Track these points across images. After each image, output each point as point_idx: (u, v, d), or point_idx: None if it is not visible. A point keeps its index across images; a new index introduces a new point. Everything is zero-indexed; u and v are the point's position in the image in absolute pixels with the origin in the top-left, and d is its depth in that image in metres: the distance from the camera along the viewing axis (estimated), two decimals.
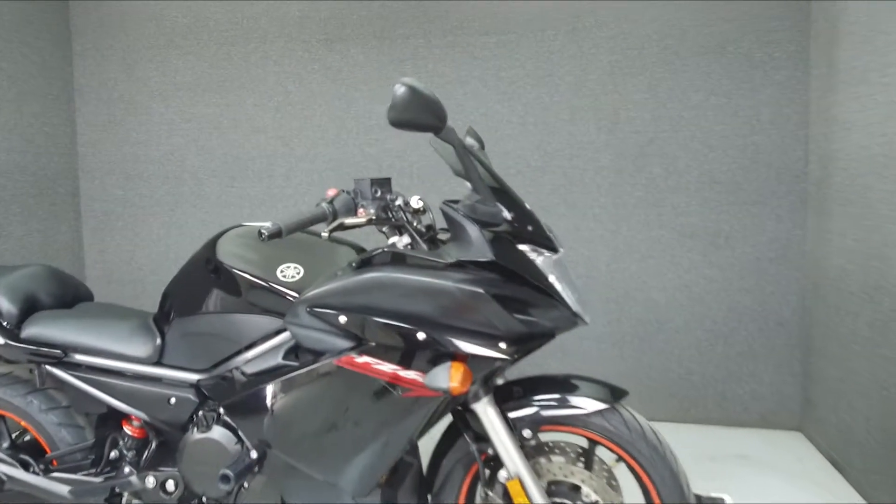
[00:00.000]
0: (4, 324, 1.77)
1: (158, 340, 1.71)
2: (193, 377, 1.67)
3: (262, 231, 1.37)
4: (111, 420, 1.83)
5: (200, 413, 1.64)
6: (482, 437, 1.57)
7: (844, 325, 2.65)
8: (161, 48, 3.59)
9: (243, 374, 1.59)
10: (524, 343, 1.42)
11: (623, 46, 3.18)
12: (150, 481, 1.66)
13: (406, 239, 1.56)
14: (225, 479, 1.49)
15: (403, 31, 3.36)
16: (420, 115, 1.32)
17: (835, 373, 2.75)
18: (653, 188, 3.20)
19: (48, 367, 1.76)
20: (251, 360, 1.59)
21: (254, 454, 1.55)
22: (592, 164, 3.24)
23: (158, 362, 1.71)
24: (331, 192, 1.55)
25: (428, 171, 3.39)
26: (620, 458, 1.59)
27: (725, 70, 3.09)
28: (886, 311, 2.33)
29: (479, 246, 1.42)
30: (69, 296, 1.95)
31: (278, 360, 1.56)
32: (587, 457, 1.61)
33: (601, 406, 1.52)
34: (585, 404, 1.52)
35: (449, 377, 1.34)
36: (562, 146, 3.27)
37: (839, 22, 2.67)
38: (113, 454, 1.78)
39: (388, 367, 1.42)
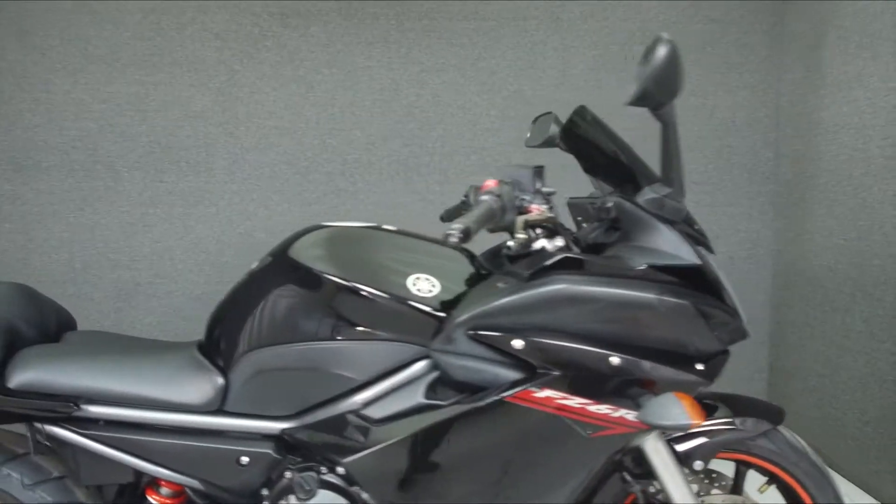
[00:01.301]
0: None
1: (220, 380, 1.28)
2: (275, 426, 1.26)
3: (452, 233, 1.04)
4: (126, 490, 1.36)
5: (290, 474, 1.24)
6: (640, 474, 1.34)
7: (832, 322, 2.73)
8: (68, 11, 2.93)
9: (364, 418, 1.22)
10: (716, 363, 1.22)
11: (607, 42, 3.09)
12: None
13: (558, 242, 1.29)
14: None
15: (373, 11, 3.01)
16: (675, 85, 1.08)
17: (818, 369, 2.84)
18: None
19: (48, 426, 1.26)
20: (375, 402, 1.22)
21: None
22: (574, 161, 3.11)
23: (219, 410, 1.28)
24: (490, 183, 1.25)
25: (398, 167, 3.08)
26: (770, 482, 1.44)
27: (704, 71, 3.10)
28: (890, 307, 2.41)
29: (676, 249, 1.19)
30: (51, 323, 1.43)
31: (418, 398, 1.21)
32: (738, 482, 1.44)
33: (766, 427, 1.36)
34: (752, 426, 1.35)
35: (685, 411, 1.10)
36: None
37: (827, 25, 2.75)
38: None
39: (574, 402, 1.15)
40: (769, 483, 1.44)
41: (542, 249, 1.26)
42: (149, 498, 1.35)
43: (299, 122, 3.05)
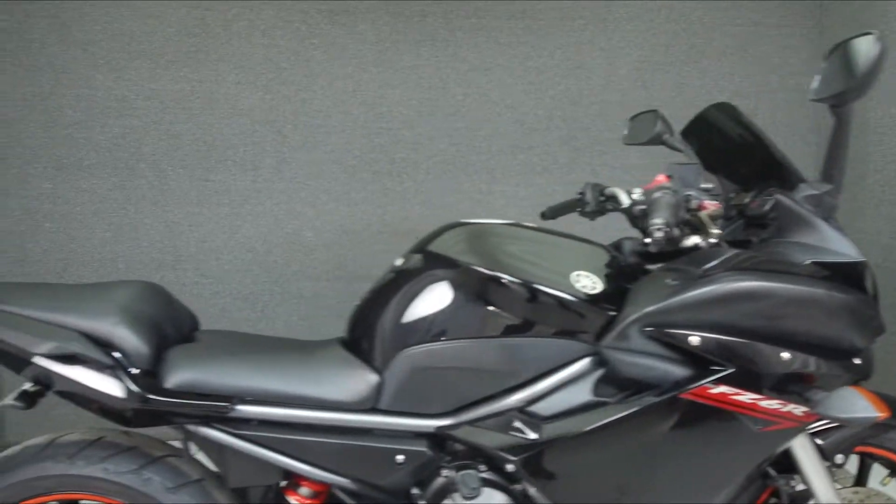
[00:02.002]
0: (134, 370, 1.20)
1: (375, 378, 1.26)
2: (430, 424, 1.25)
3: (658, 228, 1.04)
4: (267, 492, 1.33)
5: (447, 472, 1.23)
6: (781, 468, 1.36)
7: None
8: (110, 6, 2.86)
9: (532, 415, 1.21)
10: (868, 358, 1.24)
11: (652, 42, 3.12)
12: None
13: (695, 238, 1.30)
14: None
15: (421, 9, 3.00)
16: (872, 83, 1.09)
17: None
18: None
19: (201, 428, 1.23)
20: (540, 399, 1.22)
21: None
22: (621, 162, 3.14)
23: (373, 408, 1.26)
24: (661, 179, 1.25)
25: (445, 166, 3.07)
26: (893, 474, 1.47)
27: (745, 72, 3.15)
28: None
29: (839, 245, 1.21)
30: (185, 323, 1.40)
31: (586, 396, 1.21)
32: (862, 474, 1.47)
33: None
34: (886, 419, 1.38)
35: (870, 405, 1.11)
36: (590, 142, 3.13)
37: (869, 26, 2.81)
38: None
39: (746, 398, 1.16)
40: (892, 476, 1.47)
41: (697, 246, 1.27)
42: (288, 498, 1.33)
43: (347, 121, 3.02)
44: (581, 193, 1.61)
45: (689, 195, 1.27)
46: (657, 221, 1.11)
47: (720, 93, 3.14)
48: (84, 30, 2.86)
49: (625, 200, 1.47)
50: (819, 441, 1.35)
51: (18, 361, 1.16)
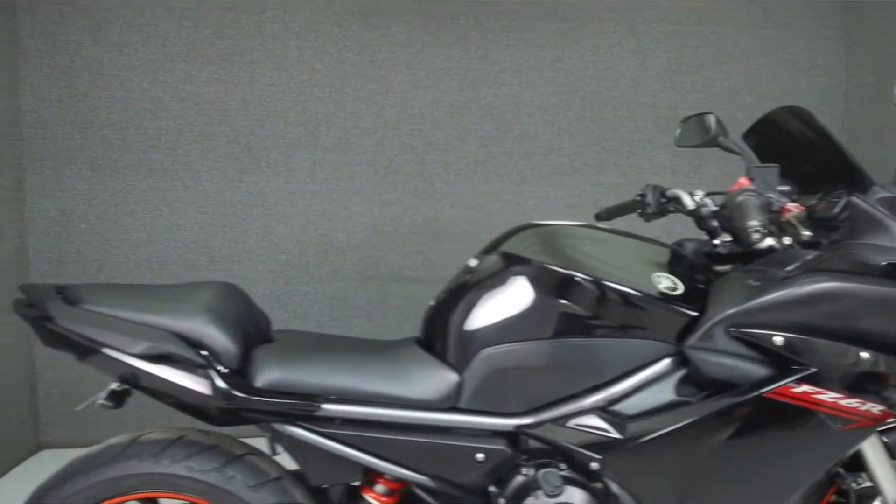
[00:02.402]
0: (224, 369, 1.22)
1: (455, 378, 1.28)
2: (509, 423, 1.27)
3: (758, 230, 1.07)
4: (346, 489, 1.36)
5: (528, 471, 1.25)
6: (847, 465, 1.38)
7: None
8: (146, 7, 2.88)
9: (615, 414, 1.24)
10: None
11: (681, 44, 3.14)
12: None
13: (785, 240, 1.32)
14: None
15: (453, 11, 3.02)
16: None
17: None
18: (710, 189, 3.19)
19: (287, 426, 1.25)
20: (623, 399, 1.24)
21: None
22: (650, 164, 3.17)
23: (453, 407, 1.28)
24: (743, 181, 1.27)
25: (475, 167, 3.09)
26: None
27: (774, 74, 3.18)
28: None
29: None
30: (262, 323, 1.42)
31: (670, 395, 1.23)
32: None
33: None
34: None
35: None
36: (620, 143, 3.15)
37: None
38: None
39: (828, 397, 1.19)
40: None
41: (771, 248, 1.29)
42: (365, 496, 1.35)
43: (379, 123, 3.04)
44: (641, 195, 1.62)
45: (771, 198, 1.29)
46: (754, 224, 1.13)
47: (748, 94, 3.17)
48: (119, 31, 2.87)
49: (689, 203, 1.50)
50: (885, 439, 1.38)
51: (110, 361, 1.18)
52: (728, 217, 1.34)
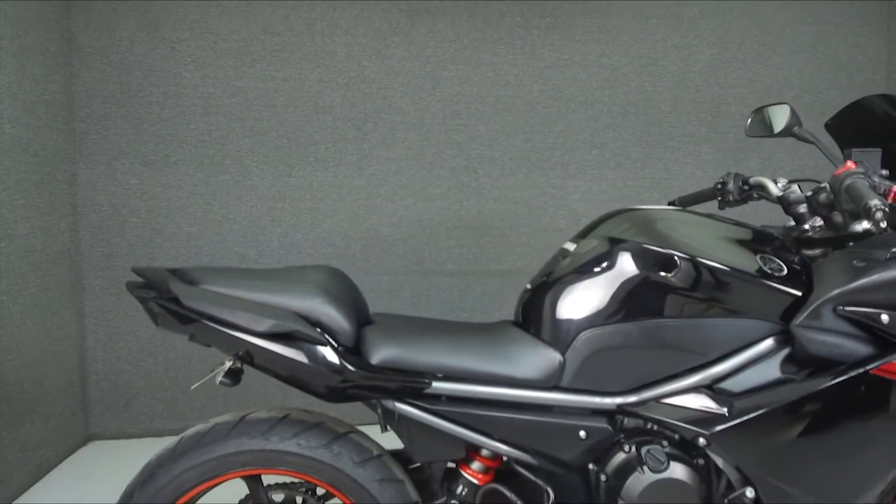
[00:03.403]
0: (340, 347, 1.25)
1: (558, 357, 1.31)
2: (611, 402, 1.30)
3: (879, 209, 1.09)
4: (445, 466, 1.38)
5: (629, 448, 1.27)
6: None
7: None
8: (198, 5, 2.92)
9: (721, 392, 1.26)
10: None
11: (724, 40, 3.17)
12: None
13: (865, 224, 1.35)
14: None
15: (499, 8, 3.05)
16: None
17: None
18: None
19: (396, 403, 1.27)
20: (728, 377, 1.27)
21: (750, 492, 1.23)
22: (693, 158, 3.19)
23: (556, 386, 1.31)
24: (850, 165, 1.29)
25: (520, 162, 3.12)
26: None
27: (816, 70, 3.20)
28: None
29: None
30: (364, 306, 1.45)
31: (775, 373, 1.26)
32: None
33: None
34: None
35: None
36: (664, 139, 3.18)
37: None
38: None
39: None
40: None
41: (868, 231, 1.31)
42: (463, 473, 1.37)
43: (425, 118, 3.07)
44: (722, 183, 1.65)
45: (875, 181, 1.31)
46: (876, 202, 1.16)
47: (790, 89, 3.19)
48: (172, 28, 2.91)
49: (775, 190, 1.52)
50: None
51: (232, 340, 1.20)
52: (830, 202, 1.36)
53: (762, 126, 1.77)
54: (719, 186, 1.66)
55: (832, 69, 3.21)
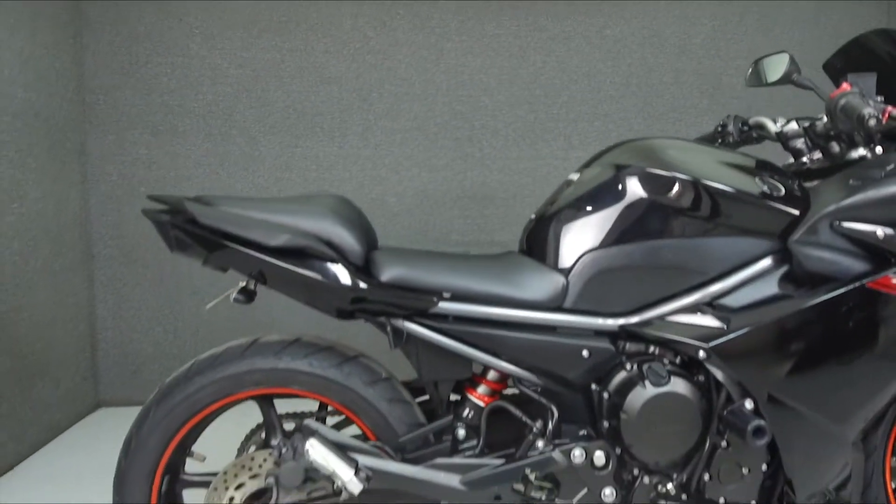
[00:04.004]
0: (351, 265, 1.28)
1: (562, 280, 1.34)
2: (613, 323, 1.33)
3: (872, 115, 1.13)
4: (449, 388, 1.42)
5: (631, 366, 1.31)
6: None
7: None
8: None
9: (722, 308, 1.29)
10: None
11: (725, 11, 3.20)
12: (578, 455, 1.29)
13: (861, 150, 1.39)
14: (759, 432, 1.20)
15: None
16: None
17: None
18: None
19: (404, 322, 1.31)
20: (728, 294, 1.30)
21: (749, 403, 1.27)
22: (695, 129, 3.22)
23: (560, 307, 1.34)
24: (846, 86, 1.33)
25: (524, 133, 3.15)
26: None
27: (817, 42, 3.23)
28: None
29: None
30: (373, 233, 1.49)
31: (773, 288, 1.29)
32: None
33: None
34: None
35: None
36: (665, 110, 3.21)
37: None
38: (461, 430, 1.37)
39: None
40: None
41: (863, 158, 1.35)
42: (469, 396, 1.40)
43: (430, 89, 3.11)
44: (722, 125, 1.68)
45: (871, 102, 1.34)
46: (869, 110, 1.19)
47: None
48: (180, 1, 2.95)
49: (773, 127, 1.56)
50: None
51: (247, 257, 1.24)
52: (828, 130, 1.40)
53: (760, 76, 1.80)
54: (719, 129, 1.70)
55: (833, 40, 3.23)
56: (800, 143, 1.51)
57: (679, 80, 3.21)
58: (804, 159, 1.50)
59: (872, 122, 1.21)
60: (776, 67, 1.73)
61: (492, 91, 3.14)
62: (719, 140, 1.70)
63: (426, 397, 1.48)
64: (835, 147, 1.45)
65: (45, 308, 2.61)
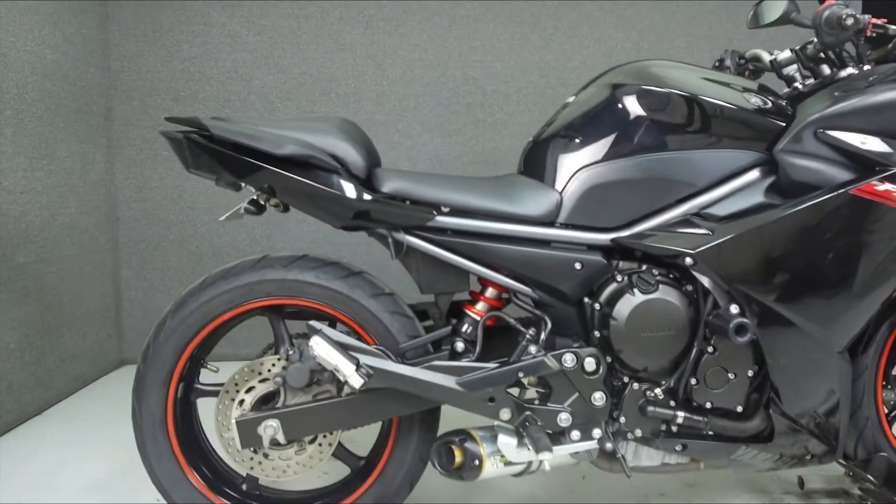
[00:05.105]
0: (355, 178, 1.35)
1: (556, 196, 1.40)
2: (605, 237, 1.38)
3: (847, 16, 1.17)
4: (450, 304, 1.48)
5: (622, 277, 1.36)
6: None
7: None
8: None
9: (708, 217, 1.34)
10: None
11: None
12: (570, 360, 1.34)
13: (850, 69, 1.42)
14: (742, 329, 1.25)
15: None
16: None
17: None
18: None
19: (404, 235, 1.37)
20: (715, 203, 1.34)
21: (734, 308, 1.31)
22: None
23: (554, 222, 1.39)
24: (829, 1, 1.36)
25: (535, 98, 3.20)
26: None
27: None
28: None
29: None
30: (376, 153, 1.55)
31: (759, 198, 1.33)
32: None
33: None
34: None
35: None
36: None
37: None
38: (460, 344, 1.43)
39: None
40: None
41: (851, 76, 1.38)
42: (467, 311, 1.46)
43: (442, 55, 3.17)
44: (720, 60, 1.72)
45: (861, 17, 1.36)
46: (847, 11, 1.23)
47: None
48: None
49: (766, 56, 1.60)
50: None
51: (257, 169, 1.31)
52: (818, 51, 1.44)
53: (761, 17, 1.83)
54: (717, 64, 1.73)
55: None
56: (793, 70, 1.54)
57: (690, 45, 3.23)
58: (797, 84, 1.53)
59: (850, 22, 1.24)
60: (776, 8, 1.76)
61: (503, 57, 3.19)
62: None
63: (430, 323, 1.54)
64: (825, 70, 1.49)
65: (71, 263, 2.72)
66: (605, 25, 3.19)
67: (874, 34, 1.37)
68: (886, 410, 1.59)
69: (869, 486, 1.54)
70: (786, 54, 1.57)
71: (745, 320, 1.26)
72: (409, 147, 3.19)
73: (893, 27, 1.40)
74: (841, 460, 1.56)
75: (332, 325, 1.50)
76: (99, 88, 2.97)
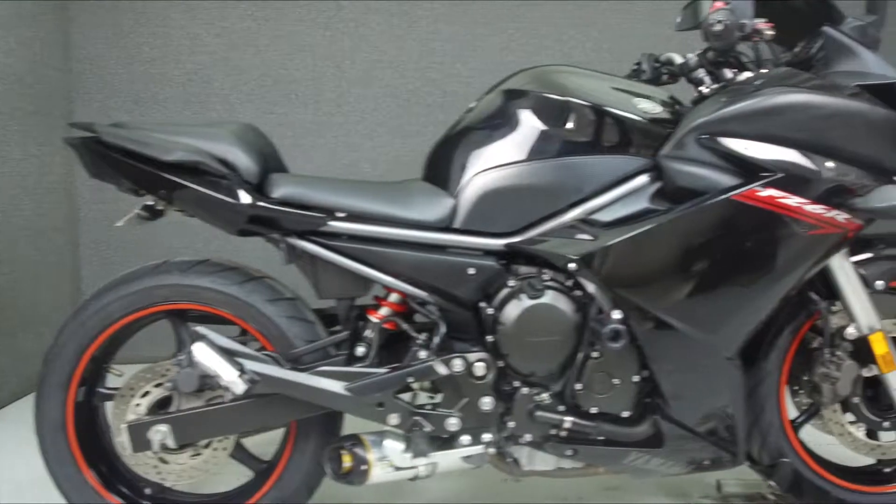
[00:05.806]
0: (247, 184, 1.36)
1: (450, 201, 1.40)
2: (499, 242, 1.38)
3: (716, 21, 1.16)
4: (352, 310, 1.48)
5: (514, 282, 1.36)
6: (825, 295, 1.45)
7: None
8: None
9: (593, 223, 1.34)
10: None
11: None
12: (458, 365, 1.34)
13: (747, 74, 1.42)
14: (616, 336, 1.25)
15: None
16: None
17: None
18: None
19: (298, 240, 1.38)
20: (601, 209, 1.35)
21: (616, 314, 1.31)
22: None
23: (448, 227, 1.40)
24: (719, 4, 1.35)
25: None
26: None
27: None
28: None
29: (881, 69, 1.31)
30: (279, 162, 1.56)
31: (644, 204, 1.33)
32: None
33: None
34: None
35: None
36: None
37: None
38: (361, 349, 1.43)
39: (793, 201, 1.27)
40: None
41: (749, 78, 1.37)
42: (369, 316, 1.47)
43: (402, 56, 3.17)
44: (637, 64, 1.72)
45: (744, 22, 1.35)
46: (717, 17, 1.22)
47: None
48: None
49: (678, 59, 1.59)
50: (862, 271, 1.44)
51: (148, 175, 1.33)
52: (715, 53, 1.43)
53: (687, 20, 1.81)
54: (634, 68, 1.73)
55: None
56: (701, 74, 1.54)
57: (654, 46, 3.20)
58: (702, 88, 1.52)
59: (717, 28, 1.23)
60: (701, 9, 1.75)
61: (464, 58, 3.19)
62: (634, 79, 1.73)
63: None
64: (727, 73, 1.48)
65: (27, 265, 2.74)
66: (563, 26, 3.18)
67: (770, 38, 1.36)
68: (797, 415, 1.59)
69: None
70: (692, 58, 1.56)
71: (619, 326, 1.26)
72: (370, 148, 3.20)
73: (770, 32, 1.38)
74: (751, 466, 1.56)
75: (243, 332, 1.50)
76: (61, 91, 2.99)
